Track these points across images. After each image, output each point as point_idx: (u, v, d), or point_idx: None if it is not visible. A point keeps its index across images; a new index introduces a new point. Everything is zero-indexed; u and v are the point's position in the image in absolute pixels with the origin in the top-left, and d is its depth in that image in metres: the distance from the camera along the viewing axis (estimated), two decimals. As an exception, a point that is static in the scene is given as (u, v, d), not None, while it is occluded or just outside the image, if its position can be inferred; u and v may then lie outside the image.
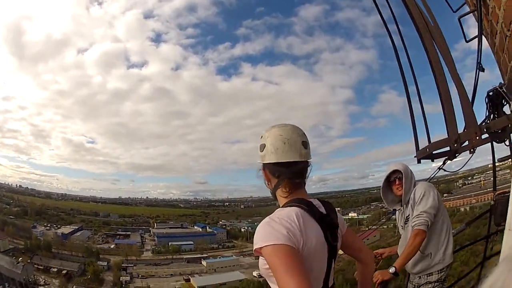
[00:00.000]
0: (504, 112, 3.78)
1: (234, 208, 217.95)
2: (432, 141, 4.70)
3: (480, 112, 3.90)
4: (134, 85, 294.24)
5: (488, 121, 3.84)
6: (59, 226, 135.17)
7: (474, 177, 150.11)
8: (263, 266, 1.99)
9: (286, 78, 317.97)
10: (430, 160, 4.87)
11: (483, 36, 3.95)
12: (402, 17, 5.31)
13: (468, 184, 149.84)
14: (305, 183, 2.24)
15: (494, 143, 4.22)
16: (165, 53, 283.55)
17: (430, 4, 4.49)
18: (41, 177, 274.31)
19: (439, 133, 4.68)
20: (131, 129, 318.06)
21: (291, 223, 1.90)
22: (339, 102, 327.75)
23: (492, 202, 5.43)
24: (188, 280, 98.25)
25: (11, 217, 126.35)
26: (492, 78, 4.06)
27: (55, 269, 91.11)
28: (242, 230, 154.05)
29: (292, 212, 1.98)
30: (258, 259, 2.04)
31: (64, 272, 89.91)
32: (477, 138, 3.70)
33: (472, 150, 4.05)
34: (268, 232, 1.87)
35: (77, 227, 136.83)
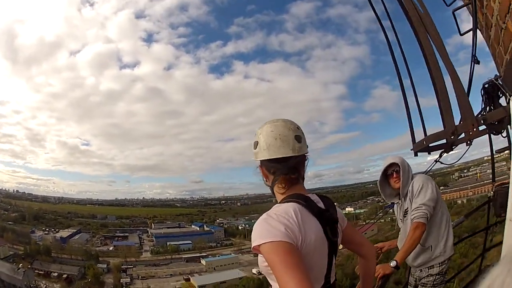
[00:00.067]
0: (500, 104, 3.77)
1: (230, 206, 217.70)
2: (427, 134, 4.75)
3: (475, 106, 3.92)
4: (127, 86, 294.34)
5: (484, 113, 3.85)
6: (57, 230, 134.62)
7: (470, 170, 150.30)
8: (262, 263, 1.96)
9: (279, 75, 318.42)
10: (427, 153, 4.91)
11: (477, 29, 4.01)
12: (394, 12, 5.36)
13: (464, 176, 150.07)
14: (303, 178, 2.22)
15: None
16: (157, 53, 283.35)
17: (423, -2, 4.52)
18: (38, 181, 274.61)
19: (433, 127, 4.74)
20: (125, 129, 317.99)
21: (289, 219, 1.88)
22: (332, 98, 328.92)
23: (492, 193, 5.43)
24: (188, 280, 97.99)
25: (9, 223, 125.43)
26: (485, 72, 4.09)
27: (56, 274, 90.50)
28: (240, 227, 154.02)
29: (290, 208, 1.95)
30: (257, 256, 2.00)
31: (64, 276, 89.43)
32: (474, 130, 3.69)
33: (469, 142, 4.07)
34: (266, 229, 1.84)
35: (75, 230, 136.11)
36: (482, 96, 3.93)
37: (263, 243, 1.80)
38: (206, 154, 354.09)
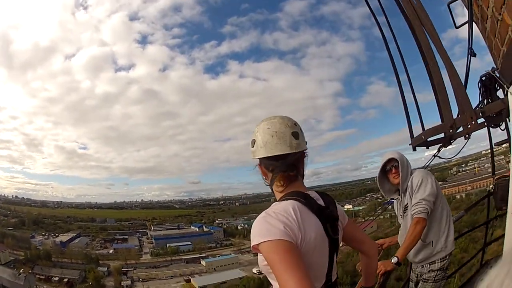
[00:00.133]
0: (498, 97, 3.75)
1: (229, 206, 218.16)
2: (425, 129, 4.74)
3: (472, 99, 3.87)
4: (122, 88, 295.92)
5: (483, 106, 3.83)
6: (57, 234, 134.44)
7: (468, 164, 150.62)
8: (262, 262, 1.93)
9: (274, 74, 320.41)
10: (425, 147, 4.89)
11: (473, 22, 3.99)
12: (389, 8, 5.35)
13: (462, 171, 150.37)
14: (303, 175, 2.19)
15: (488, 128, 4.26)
16: (152, 55, 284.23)
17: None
18: (36, 186, 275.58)
19: (431, 122, 4.73)
20: (122, 132, 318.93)
21: (288, 217, 1.85)
22: (328, 95, 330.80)
23: (492, 187, 5.35)
24: (188, 281, 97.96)
25: (9, 228, 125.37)
26: (481, 65, 4.07)
27: (57, 278, 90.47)
28: (239, 227, 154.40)
29: (289, 206, 1.92)
30: (257, 256, 1.98)
31: (65, 280, 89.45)
32: (473, 123, 3.68)
33: (467, 135, 4.06)
34: (265, 228, 1.81)
35: (75, 234, 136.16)
36: (480, 88, 3.91)
37: (262, 242, 1.77)
38: (203, 154, 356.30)
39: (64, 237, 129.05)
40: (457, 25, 4.39)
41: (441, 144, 4.74)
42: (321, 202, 2.08)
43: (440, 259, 4.12)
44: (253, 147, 2.17)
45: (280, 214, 1.87)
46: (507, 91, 3.28)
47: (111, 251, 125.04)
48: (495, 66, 3.79)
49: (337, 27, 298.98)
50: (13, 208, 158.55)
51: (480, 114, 3.68)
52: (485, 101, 3.87)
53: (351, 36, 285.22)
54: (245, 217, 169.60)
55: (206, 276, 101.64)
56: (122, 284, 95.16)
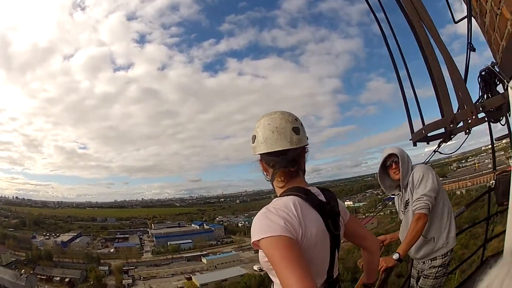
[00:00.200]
0: (497, 91, 3.74)
1: (230, 204, 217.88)
2: (425, 125, 4.72)
3: (472, 95, 3.87)
4: (121, 88, 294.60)
5: (483, 101, 3.81)
6: (58, 234, 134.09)
7: (468, 160, 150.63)
8: (263, 259, 1.92)
9: (273, 71, 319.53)
10: (426, 142, 4.88)
11: (472, 17, 3.97)
12: (387, 4, 5.34)
13: (462, 167, 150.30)
14: (304, 171, 2.18)
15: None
16: (150, 54, 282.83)
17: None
18: (36, 187, 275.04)
19: (430, 118, 4.71)
20: (121, 132, 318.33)
21: (289, 213, 1.84)
22: (327, 92, 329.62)
23: (493, 182, 5.35)
24: (189, 279, 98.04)
25: (10, 229, 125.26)
26: (480, 61, 4.05)
27: (58, 278, 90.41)
28: (240, 225, 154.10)
29: (289, 201, 1.92)
30: (258, 253, 1.98)
31: (67, 280, 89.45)
32: (474, 117, 3.67)
33: (467, 131, 4.05)
34: (265, 224, 1.80)
35: (75, 234, 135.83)
36: (479, 83, 3.90)
37: (262, 238, 1.77)
38: (203, 152, 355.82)
39: (65, 237, 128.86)
40: (456, 20, 4.38)
41: (441, 139, 4.72)
42: (322, 197, 2.07)
43: (442, 255, 4.11)
44: (253, 142, 2.15)
45: (281, 209, 1.86)
46: (507, 86, 3.26)
47: (112, 250, 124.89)
48: (494, 61, 3.77)
49: (335, 24, 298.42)
50: (13, 209, 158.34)
51: (481, 109, 3.67)
52: (485, 96, 3.87)
53: (350, 33, 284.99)
54: (245, 215, 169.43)
55: (207, 273, 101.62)
56: (123, 283, 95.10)
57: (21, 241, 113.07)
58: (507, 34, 2.98)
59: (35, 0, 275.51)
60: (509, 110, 3.20)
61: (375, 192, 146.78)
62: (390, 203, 5.35)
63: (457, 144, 4.85)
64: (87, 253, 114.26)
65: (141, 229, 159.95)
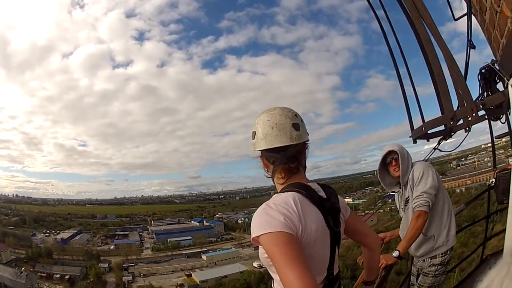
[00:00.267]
0: (497, 89, 3.73)
1: (229, 200, 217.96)
2: (425, 122, 4.71)
3: (472, 92, 3.86)
4: (120, 85, 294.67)
5: (483, 98, 3.80)
6: (58, 231, 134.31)
7: (468, 158, 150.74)
8: (262, 255, 1.91)
9: (272, 68, 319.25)
10: (426, 139, 4.87)
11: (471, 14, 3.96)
12: (387, 1, 5.32)
13: (462, 165, 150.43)
14: (304, 167, 2.17)
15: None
16: (149, 51, 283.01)
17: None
18: (36, 185, 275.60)
19: (430, 115, 4.70)
20: (120, 129, 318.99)
21: (289, 209, 1.83)
22: (326, 89, 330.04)
23: (493, 180, 5.32)
24: (189, 276, 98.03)
25: (10, 227, 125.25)
26: (480, 59, 4.04)
27: (58, 275, 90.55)
28: (239, 221, 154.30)
29: (290, 197, 1.90)
30: (257, 249, 1.97)
31: (67, 277, 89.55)
32: (474, 115, 3.67)
33: (467, 128, 4.04)
34: (265, 220, 1.79)
35: (75, 231, 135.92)
36: (479, 81, 3.88)
37: (262, 234, 1.76)
38: (203, 149, 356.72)
39: (65, 234, 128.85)
40: (455, 17, 4.36)
41: (441, 137, 4.72)
42: (322, 194, 2.07)
43: (442, 253, 4.10)
44: (253, 139, 2.15)
45: (280, 205, 1.85)
46: (507, 84, 3.25)
47: (112, 247, 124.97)
48: (494, 59, 3.75)
49: (334, 21, 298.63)
50: (13, 207, 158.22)
51: (481, 106, 3.66)
52: (485, 94, 3.86)
53: (349, 30, 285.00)
54: (245, 211, 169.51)
55: (207, 270, 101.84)
56: (123, 279, 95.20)
57: (21, 239, 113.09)
58: (507, 31, 2.97)
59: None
60: (509, 108, 3.20)
61: (375, 189, 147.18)
62: (390, 200, 5.34)
63: (457, 142, 4.86)
64: (87, 250, 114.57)
65: (141, 226, 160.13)
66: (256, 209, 1.91)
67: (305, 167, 2.18)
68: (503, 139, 5.07)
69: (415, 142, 4.99)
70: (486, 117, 3.83)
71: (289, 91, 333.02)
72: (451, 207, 4.18)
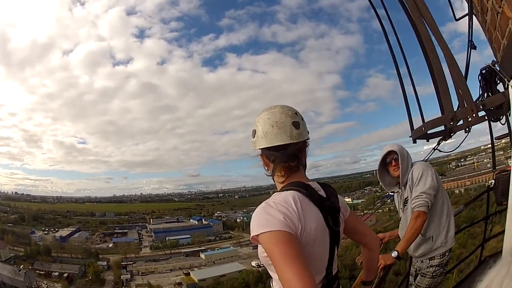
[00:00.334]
0: (498, 90, 3.72)
1: (228, 199, 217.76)
2: (425, 121, 4.70)
3: (472, 93, 3.86)
4: (120, 83, 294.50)
5: (483, 99, 3.79)
6: (56, 229, 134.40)
7: (467, 159, 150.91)
8: (262, 254, 1.91)
9: (272, 67, 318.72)
10: (426, 140, 4.86)
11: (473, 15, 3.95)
12: (387, 0, 5.32)
13: (461, 166, 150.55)
14: (305, 166, 2.17)
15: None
16: (149, 48, 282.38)
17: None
18: (36, 182, 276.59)
19: (429, 116, 4.70)
20: (120, 126, 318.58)
21: (288, 208, 1.83)
22: (327, 87, 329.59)
23: (492, 181, 5.31)
24: (188, 274, 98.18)
25: (9, 224, 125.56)
26: (481, 59, 4.03)
27: (57, 273, 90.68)
28: (238, 220, 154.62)
29: (289, 196, 1.90)
30: (256, 248, 1.97)
31: (65, 275, 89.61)
32: (474, 115, 3.66)
33: (467, 129, 4.03)
34: (264, 219, 1.79)
35: (74, 229, 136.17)
36: (480, 82, 3.87)
37: (261, 233, 1.76)
38: (202, 147, 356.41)
39: (64, 232, 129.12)
40: (457, 18, 4.36)
41: (441, 137, 4.71)
42: (322, 193, 2.06)
43: (440, 255, 4.10)
44: (254, 137, 2.15)
45: (280, 204, 1.85)
46: (507, 85, 3.24)
47: (110, 245, 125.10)
48: (495, 59, 3.75)
49: (335, 20, 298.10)
50: (13, 204, 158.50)
51: (481, 107, 3.66)
52: (485, 95, 3.85)
53: (350, 29, 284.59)
54: (244, 210, 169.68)
55: (205, 269, 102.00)
56: (121, 278, 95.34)
57: (20, 237, 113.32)
58: (508, 32, 2.96)
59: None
60: (509, 109, 3.19)
61: (374, 189, 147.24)
62: (389, 200, 5.34)
63: (457, 143, 4.85)
64: (85, 248, 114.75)
65: (140, 224, 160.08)
66: (255, 208, 1.91)
67: (305, 165, 2.17)
68: (503, 140, 5.06)
69: (415, 142, 4.98)
70: (486, 118, 3.82)
71: (289, 89, 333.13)
72: (451, 208, 4.18)
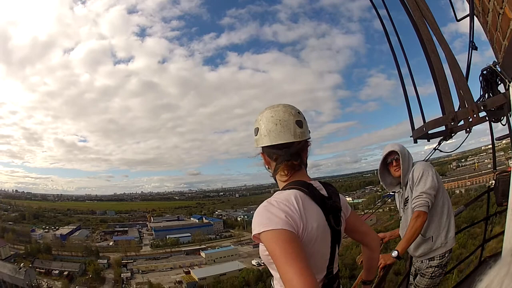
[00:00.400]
0: (499, 91, 3.72)
1: (229, 198, 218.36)
2: (426, 121, 4.70)
3: (473, 93, 3.86)
4: (121, 81, 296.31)
5: (484, 100, 3.79)
6: (57, 227, 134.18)
7: (468, 159, 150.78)
8: (263, 252, 1.91)
9: (273, 66, 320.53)
10: (426, 140, 4.86)
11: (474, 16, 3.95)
12: (389, 1, 5.32)
13: (462, 166, 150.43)
14: (306, 165, 2.17)
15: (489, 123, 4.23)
16: (150, 47, 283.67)
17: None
18: (36, 180, 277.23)
19: (430, 116, 4.70)
20: (121, 125, 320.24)
21: (290, 207, 1.83)
22: (327, 87, 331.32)
23: (493, 182, 5.32)
24: (188, 273, 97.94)
25: (9, 223, 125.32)
26: (482, 60, 4.03)
27: (57, 271, 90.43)
28: (239, 219, 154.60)
29: (291, 195, 1.90)
30: (257, 247, 1.97)
31: (65, 273, 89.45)
32: (475, 116, 3.66)
33: (468, 129, 4.03)
34: (266, 217, 1.79)
35: (75, 227, 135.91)
36: (481, 82, 3.87)
37: (263, 231, 1.76)
38: (203, 146, 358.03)
39: (65, 230, 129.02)
40: (458, 18, 4.36)
41: (442, 137, 4.71)
42: (324, 192, 2.06)
43: (440, 255, 4.10)
44: (256, 135, 2.15)
45: (282, 203, 1.85)
46: (508, 86, 3.24)
47: (111, 243, 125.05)
48: (496, 60, 3.75)
49: (336, 20, 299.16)
50: (13, 202, 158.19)
51: (482, 108, 3.65)
52: (486, 95, 3.85)
53: (351, 29, 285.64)
54: (244, 209, 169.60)
55: (205, 267, 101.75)
56: (122, 276, 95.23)
57: (20, 235, 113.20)
58: (509, 33, 2.96)
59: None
60: (510, 110, 3.19)
61: (374, 189, 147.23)
62: (389, 200, 5.34)
63: (457, 143, 4.85)
64: (86, 246, 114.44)
65: (140, 222, 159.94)
66: (255, 207, 1.91)
67: (307, 164, 2.18)
68: (504, 141, 5.06)
69: (415, 142, 4.98)
70: (487, 118, 3.82)
71: (290, 89, 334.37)
72: (451, 208, 4.17)
